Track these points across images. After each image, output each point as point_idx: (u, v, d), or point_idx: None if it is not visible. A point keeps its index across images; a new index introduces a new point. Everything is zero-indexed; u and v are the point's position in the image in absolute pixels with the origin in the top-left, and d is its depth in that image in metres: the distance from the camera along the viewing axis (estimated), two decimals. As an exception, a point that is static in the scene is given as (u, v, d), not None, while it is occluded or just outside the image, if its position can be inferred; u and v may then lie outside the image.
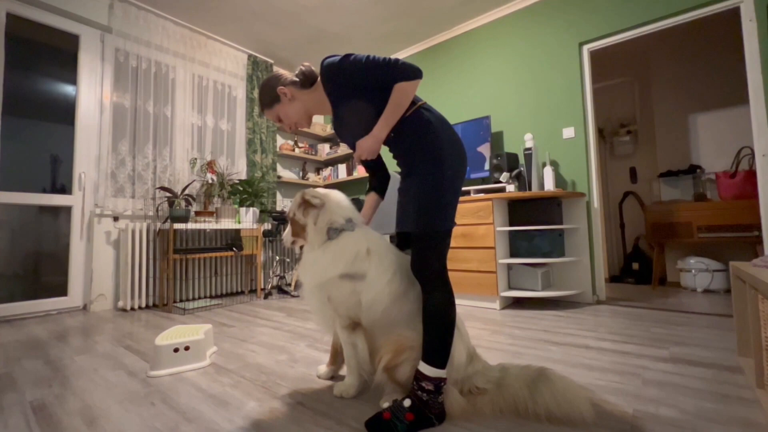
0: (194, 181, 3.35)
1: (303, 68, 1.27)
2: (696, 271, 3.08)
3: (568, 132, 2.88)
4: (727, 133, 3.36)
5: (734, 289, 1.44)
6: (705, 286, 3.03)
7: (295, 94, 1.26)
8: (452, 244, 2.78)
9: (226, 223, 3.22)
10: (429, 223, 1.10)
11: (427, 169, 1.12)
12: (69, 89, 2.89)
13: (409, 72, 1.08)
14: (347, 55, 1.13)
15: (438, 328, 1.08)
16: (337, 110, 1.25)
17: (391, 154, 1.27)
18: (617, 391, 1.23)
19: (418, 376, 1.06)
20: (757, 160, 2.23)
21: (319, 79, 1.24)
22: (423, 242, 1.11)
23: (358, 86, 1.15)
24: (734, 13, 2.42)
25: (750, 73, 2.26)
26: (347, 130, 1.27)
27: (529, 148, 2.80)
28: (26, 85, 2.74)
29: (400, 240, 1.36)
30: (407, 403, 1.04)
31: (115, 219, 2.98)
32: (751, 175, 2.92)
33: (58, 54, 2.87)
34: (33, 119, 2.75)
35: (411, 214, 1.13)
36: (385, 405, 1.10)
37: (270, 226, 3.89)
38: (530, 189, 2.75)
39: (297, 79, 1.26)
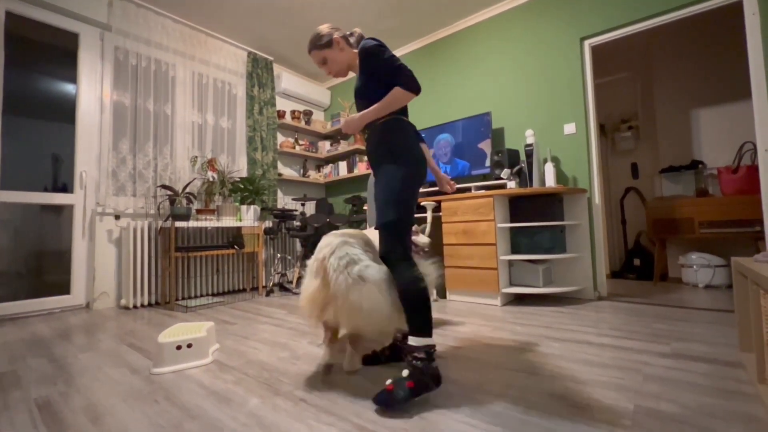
0: (195, 179, 3.35)
1: (357, 32, 1.55)
2: (697, 267, 3.07)
3: (570, 128, 2.87)
4: (729, 129, 3.34)
5: (736, 285, 1.44)
6: (707, 281, 3.03)
7: (344, 47, 1.49)
8: (453, 240, 2.79)
9: (228, 221, 3.23)
10: (391, 215, 1.29)
11: (390, 169, 1.33)
12: (69, 88, 2.89)
13: (411, 84, 1.31)
14: (379, 45, 1.35)
15: (413, 302, 1.23)
16: (356, 80, 1.50)
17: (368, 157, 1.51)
18: (618, 386, 1.23)
19: (410, 349, 1.20)
20: (759, 155, 2.21)
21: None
22: (387, 231, 1.30)
23: (372, 71, 1.38)
24: (737, 7, 2.40)
25: (752, 68, 2.24)
26: (355, 98, 1.50)
27: (530, 145, 2.79)
28: (26, 84, 2.74)
29: None
30: (405, 373, 1.16)
31: (117, 217, 2.99)
32: (753, 170, 2.91)
33: (58, 52, 2.87)
34: (33, 118, 2.75)
35: (377, 209, 1.33)
36: (389, 381, 1.17)
37: (271, 224, 3.90)
38: (531, 185, 2.75)
39: (349, 38, 1.53)
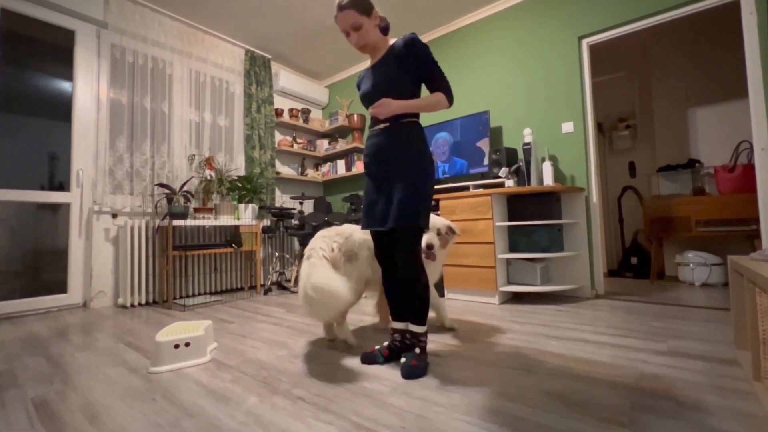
0: (192, 177, 3.34)
1: (386, 19, 1.51)
2: (694, 265, 3.09)
3: (567, 127, 2.87)
4: (726, 128, 3.36)
5: (732, 283, 1.45)
6: (703, 279, 3.04)
7: (378, 25, 1.48)
8: (451, 239, 2.79)
9: (225, 220, 3.22)
10: (423, 220, 1.38)
11: (420, 175, 1.39)
12: (65, 85, 2.87)
13: (450, 94, 1.43)
14: (427, 46, 1.42)
15: (425, 301, 1.43)
16: (381, 67, 1.47)
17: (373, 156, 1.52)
18: (616, 384, 1.24)
19: (415, 335, 1.44)
20: (755, 154, 2.23)
21: (387, 36, 1.53)
22: (413, 237, 1.40)
23: (413, 66, 1.42)
24: (734, 6, 2.41)
25: (749, 67, 2.25)
26: (375, 85, 1.47)
27: (528, 143, 2.79)
28: (22, 81, 2.72)
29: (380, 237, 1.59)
30: (418, 350, 1.43)
31: (114, 216, 2.97)
32: (750, 169, 2.92)
33: (54, 50, 2.85)
34: (29, 116, 2.73)
35: (404, 214, 1.36)
36: (403, 360, 1.41)
37: (269, 223, 3.89)
38: (529, 184, 2.75)
39: (383, 20, 1.51)
